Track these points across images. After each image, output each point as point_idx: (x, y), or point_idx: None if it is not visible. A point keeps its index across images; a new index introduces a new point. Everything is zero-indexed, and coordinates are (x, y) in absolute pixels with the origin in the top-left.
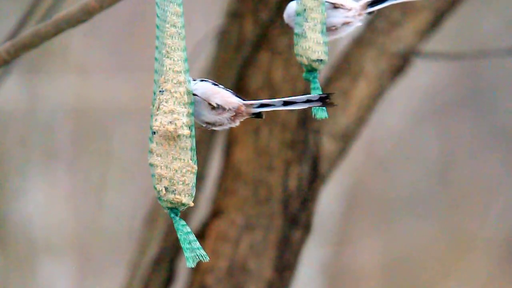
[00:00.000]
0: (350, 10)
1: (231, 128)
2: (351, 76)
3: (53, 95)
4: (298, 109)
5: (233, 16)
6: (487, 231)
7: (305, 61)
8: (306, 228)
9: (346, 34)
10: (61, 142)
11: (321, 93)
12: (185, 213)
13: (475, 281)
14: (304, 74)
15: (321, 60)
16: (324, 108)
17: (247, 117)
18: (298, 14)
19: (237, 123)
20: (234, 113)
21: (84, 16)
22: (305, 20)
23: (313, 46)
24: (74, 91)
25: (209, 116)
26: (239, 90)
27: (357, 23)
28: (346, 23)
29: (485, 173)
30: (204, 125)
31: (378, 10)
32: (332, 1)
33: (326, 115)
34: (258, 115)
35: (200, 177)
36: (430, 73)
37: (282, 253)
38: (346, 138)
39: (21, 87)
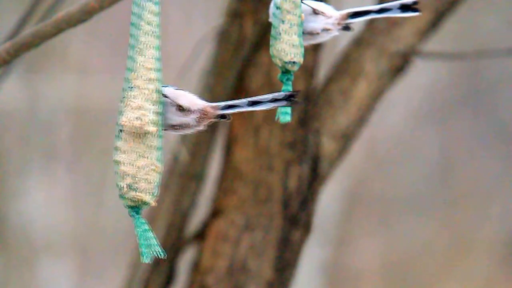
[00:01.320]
0: (330, 17)
1: (231, 128)
2: (351, 76)
3: (53, 95)
4: (298, 109)
5: (233, 16)
6: (487, 231)
7: (278, 63)
8: (306, 228)
9: (324, 40)
10: (61, 142)
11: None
12: (185, 213)
13: (475, 281)
14: (279, 76)
15: (294, 62)
16: (288, 112)
17: (213, 119)
18: (274, 16)
19: (203, 126)
20: (200, 115)
21: (84, 16)
22: (281, 21)
23: (286, 48)
24: (74, 91)
25: (176, 118)
26: (239, 90)
27: (336, 32)
28: (326, 30)
29: (485, 173)
30: (170, 129)
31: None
32: (313, 7)
33: (289, 119)
34: (224, 116)
35: (200, 177)
36: (430, 73)
37: (282, 253)
38: (346, 138)
39: (21, 87)
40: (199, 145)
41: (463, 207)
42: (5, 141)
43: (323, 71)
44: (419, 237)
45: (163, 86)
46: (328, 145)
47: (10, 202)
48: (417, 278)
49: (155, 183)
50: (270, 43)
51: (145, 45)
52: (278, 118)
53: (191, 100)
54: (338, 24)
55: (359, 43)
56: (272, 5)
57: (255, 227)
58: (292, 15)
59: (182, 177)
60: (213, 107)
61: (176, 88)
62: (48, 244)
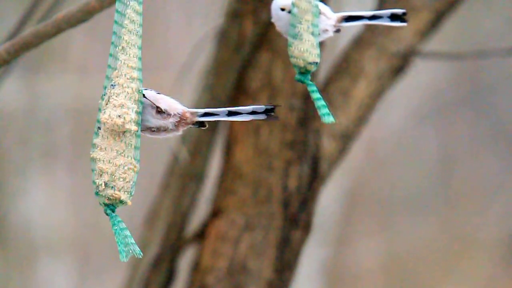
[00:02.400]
0: (330, 19)
1: (231, 128)
2: (351, 76)
3: (53, 95)
4: (299, 109)
5: (233, 16)
6: (487, 231)
7: (301, 63)
8: (306, 228)
9: (321, 40)
10: (61, 142)
11: (320, 95)
12: (185, 213)
13: (475, 281)
14: (297, 76)
15: (316, 62)
16: (330, 113)
17: (191, 125)
18: (293, 15)
19: (180, 131)
20: (179, 119)
21: (84, 16)
22: (299, 22)
23: (309, 48)
24: (74, 91)
25: (154, 120)
26: (239, 90)
27: (331, 33)
28: (325, 30)
29: (485, 173)
30: (147, 132)
31: (378, 9)
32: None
33: (333, 120)
34: (202, 124)
35: (200, 177)
36: (430, 73)
37: (282, 253)
38: (346, 138)
39: (21, 87)
40: (199, 145)
41: (463, 207)
42: (5, 141)
43: (323, 71)
44: (419, 237)
45: (145, 89)
46: (328, 145)
47: (10, 202)
48: (417, 278)
49: (132, 182)
50: (289, 43)
51: (128, 43)
52: (322, 119)
53: (171, 104)
54: (334, 26)
55: (359, 43)
56: (274, 5)
57: (255, 227)
58: (310, 14)
59: (182, 177)
60: (191, 113)
61: (157, 92)
62: (48, 244)
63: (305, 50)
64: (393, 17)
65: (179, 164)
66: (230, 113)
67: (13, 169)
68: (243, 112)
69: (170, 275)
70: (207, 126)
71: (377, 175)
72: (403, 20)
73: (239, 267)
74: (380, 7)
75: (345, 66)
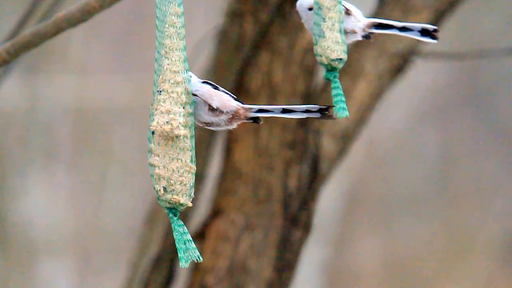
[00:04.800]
0: (359, 21)
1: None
2: (351, 76)
3: (53, 95)
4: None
5: (233, 16)
6: (487, 231)
7: (324, 61)
8: (306, 228)
9: (349, 42)
10: (61, 142)
11: (341, 92)
12: (185, 213)
13: (475, 281)
14: (324, 74)
15: (340, 59)
16: (345, 107)
17: (245, 120)
18: (316, 13)
19: (235, 125)
20: (232, 116)
21: (84, 16)
22: (323, 20)
23: (332, 45)
24: (74, 91)
25: (206, 117)
26: (239, 90)
27: (359, 37)
28: (353, 32)
29: (485, 173)
30: (201, 125)
31: (379, 10)
32: (347, 7)
33: (347, 114)
34: (256, 119)
35: (200, 177)
36: (430, 73)
37: (282, 253)
38: (346, 138)
39: (21, 87)
40: (199, 145)
41: (463, 207)
42: (5, 141)
43: (323, 71)
44: (419, 237)
45: (203, 81)
46: (328, 145)
47: (10, 202)
48: (417, 278)
49: (190, 184)
50: (314, 41)
51: (169, 48)
52: (336, 114)
53: (224, 101)
54: (363, 30)
55: (359, 43)
56: (300, 6)
57: (255, 227)
58: (333, 12)
59: None
60: (245, 109)
61: (213, 86)
62: (48, 244)
63: (327, 47)
64: (424, 32)
65: None
66: (284, 111)
67: (13, 169)
68: (297, 110)
69: (170, 275)
70: (262, 122)
71: (377, 175)
72: (433, 37)
73: (239, 267)
74: (380, 7)
75: (345, 66)
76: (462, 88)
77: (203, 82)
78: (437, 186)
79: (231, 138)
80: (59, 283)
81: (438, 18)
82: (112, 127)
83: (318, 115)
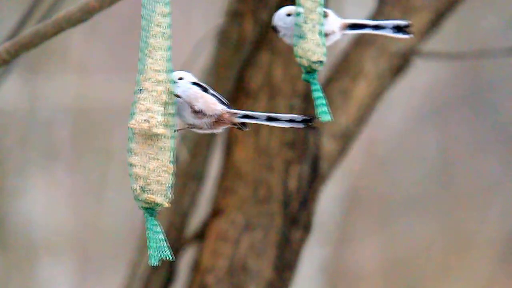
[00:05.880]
0: (335, 22)
1: (231, 128)
2: (351, 76)
3: (53, 95)
4: (299, 108)
5: (233, 16)
6: (487, 231)
7: (305, 63)
8: (306, 228)
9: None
10: (61, 142)
11: (321, 94)
12: (185, 213)
13: (475, 281)
14: (303, 76)
15: (320, 61)
16: (327, 111)
17: (230, 125)
18: (297, 14)
19: (220, 130)
20: (216, 120)
21: (84, 16)
22: (304, 21)
23: (313, 47)
24: (74, 91)
25: (190, 118)
26: (239, 90)
27: (338, 36)
28: (332, 32)
29: (485, 173)
30: (186, 126)
31: (379, 10)
32: (325, 9)
33: (330, 118)
34: (242, 125)
35: (200, 177)
36: (430, 73)
37: (282, 253)
38: (346, 138)
39: (21, 87)
40: (199, 145)
41: (463, 207)
42: (5, 141)
43: (323, 71)
44: (419, 237)
45: (193, 83)
46: (328, 145)
47: (10, 202)
48: (417, 278)
49: (168, 185)
50: (294, 43)
51: (153, 47)
52: (319, 117)
53: (209, 104)
54: (339, 31)
55: (359, 43)
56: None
57: (255, 227)
58: (314, 14)
59: (182, 177)
60: (231, 114)
61: (203, 88)
62: (48, 244)
63: (309, 49)
64: (397, 28)
65: (179, 164)
66: (269, 118)
67: (13, 169)
68: (281, 119)
69: (170, 275)
70: (248, 128)
71: (377, 175)
72: (406, 32)
73: (239, 267)
74: (380, 7)
75: (345, 66)
76: (462, 88)
77: (193, 83)
78: (437, 186)
79: (231, 138)
80: (59, 283)
81: (438, 18)
82: (112, 127)
83: (301, 125)
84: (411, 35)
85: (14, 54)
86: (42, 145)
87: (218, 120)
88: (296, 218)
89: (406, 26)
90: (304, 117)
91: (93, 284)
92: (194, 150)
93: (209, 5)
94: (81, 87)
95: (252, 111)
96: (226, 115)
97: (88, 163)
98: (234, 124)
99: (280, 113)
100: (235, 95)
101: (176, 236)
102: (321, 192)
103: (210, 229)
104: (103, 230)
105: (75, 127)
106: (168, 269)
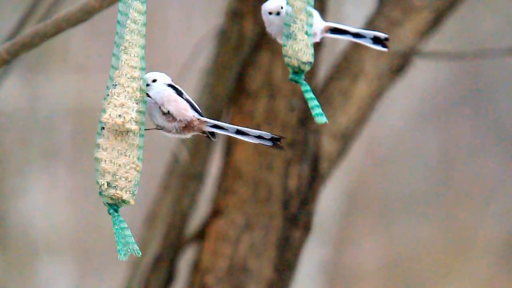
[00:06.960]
0: (318, 24)
1: None
2: (351, 76)
3: (53, 95)
4: (299, 108)
5: (233, 15)
6: (487, 231)
7: (295, 63)
8: (306, 228)
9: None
10: (61, 142)
11: (313, 95)
12: (185, 213)
13: (475, 281)
14: (290, 76)
15: (310, 62)
16: (323, 114)
17: (199, 133)
18: (286, 13)
19: (188, 135)
20: (185, 125)
21: (84, 16)
22: (294, 21)
23: (304, 48)
24: (74, 91)
25: (159, 120)
26: (239, 90)
27: (318, 39)
28: (314, 34)
29: (485, 173)
30: (156, 127)
31: (379, 10)
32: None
33: (326, 120)
34: (211, 134)
35: (200, 177)
36: (430, 73)
37: (282, 253)
38: (346, 138)
39: (21, 87)
40: (199, 145)
41: (463, 207)
42: (5, 141)
43: (323, 71)
44: (419, 237)
45: (168, 85)
46: (328, 145)
47: (10, 202)
48: (417, 278)
49: (135, 182)
50: (283, 42)
51: (130, 43)
52: (315, 120)
53: (180, 108)
54: (321, 33)
55: (359, 43)
56: (263, 11)
57: (255, 227)
58: (303, 14)
59: (182, 177)
60: (201, 122)
61: (177, 91)
62: (48, 244)
63: (299, 49)
64: (376, 40)
65: (179, 164)
66: (238, 132)
67: (13, 169)
68: (250, 134)
69: (170, 275)
70: (216, 139)
71: (377, 175)
72: (384, 45)
73: (239, 267)
74: (380, 7)
75: (345, 66)
76: (462, 88)
77: (168, 85)
78: (437, 186)
79: (231, 138)
80: (59, 283)
81: (438, 18)
82: None
83: (270, 143)
84: (387, 49)
85: (14, 54)
86: (42, 145)
87: (188, 126)
88: (296, 218)
89: (386, 39)
90: (272, 136)
91: (93, 284)
92: (194, 150)
93: (209, 5)
94: (81, 87)
95: (222, 122)
96: (196, 122)
97: (88, 163)
98: (203, 132)
99: (249, 128)
100: (235, 95)
101: (176, 236)
102: (321, 192)
103: (210, 229)
104: (103, 230)
105: (75, 127)
106: (168, 269)
